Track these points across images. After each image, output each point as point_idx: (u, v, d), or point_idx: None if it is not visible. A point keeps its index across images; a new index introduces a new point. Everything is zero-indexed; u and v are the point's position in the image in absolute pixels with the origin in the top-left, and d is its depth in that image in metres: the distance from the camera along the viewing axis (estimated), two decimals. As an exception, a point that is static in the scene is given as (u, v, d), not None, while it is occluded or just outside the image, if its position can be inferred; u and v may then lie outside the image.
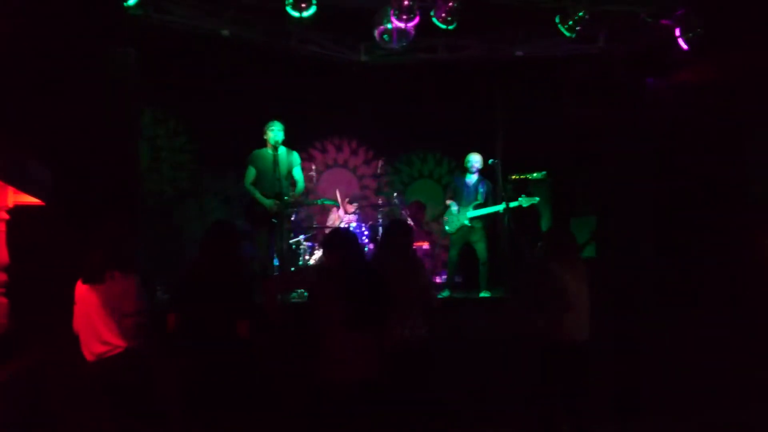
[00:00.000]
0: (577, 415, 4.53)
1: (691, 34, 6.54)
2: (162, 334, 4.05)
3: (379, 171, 9.23)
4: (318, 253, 7.55)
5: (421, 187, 10.10)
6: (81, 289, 3.98)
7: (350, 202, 8.40)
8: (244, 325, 4.05)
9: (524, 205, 7.30)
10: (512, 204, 7.24)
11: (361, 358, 3.83)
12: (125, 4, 6.03)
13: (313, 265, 7.23)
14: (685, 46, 6.61)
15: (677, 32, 6.60)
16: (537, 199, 7.39)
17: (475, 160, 7.48)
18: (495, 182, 7.59)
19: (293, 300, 6.23)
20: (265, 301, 4.46)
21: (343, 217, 8.22)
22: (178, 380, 4.14)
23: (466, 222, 7.33)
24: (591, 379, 4.58)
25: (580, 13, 6.56)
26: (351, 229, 7.73)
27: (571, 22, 6.63)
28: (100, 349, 3.90)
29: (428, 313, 4.48)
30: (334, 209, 8.46)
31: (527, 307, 4.79)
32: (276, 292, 4.59)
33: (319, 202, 8.43)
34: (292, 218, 6.81)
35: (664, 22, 6.72)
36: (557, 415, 4.58)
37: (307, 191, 8.26)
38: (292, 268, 7.17)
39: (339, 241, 4.23)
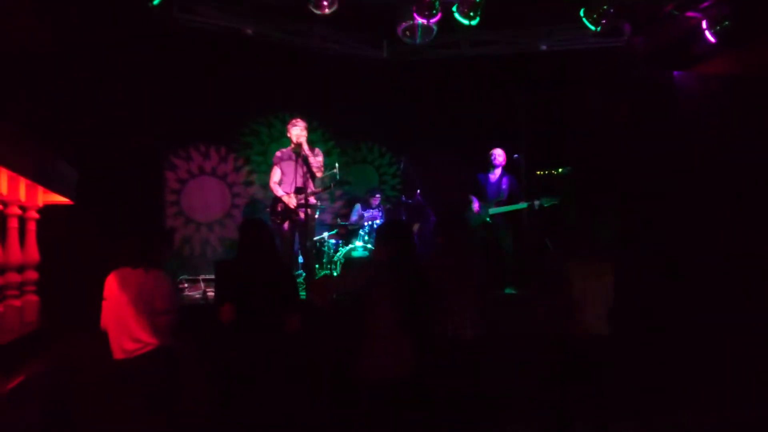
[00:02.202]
0: (594, 413, 4.48)
1: (718, 26, 6.43)
2: (213, 328, 3.99)
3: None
4: (343, 251, 7.58)
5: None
6: (111, 286, 3.94)
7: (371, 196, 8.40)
8: (295, 318, 4.02)
9: (545, 205, 7.24)
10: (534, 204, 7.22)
11: (404, 357, 3.75)
12: (151, 4, 6.11)
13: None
14: (712, 39, 6.49)
15: (704, 24, 6.50)
16: (557, 200, 7.33)
17: (497, 154, 7.43)
18: (519, 177, 7.53)
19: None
20: (316, 298, 4.34)
21: (366, 213, 8.25)
22: (212, 377, 4.15)
23: (488, 219, 7.31)
24: (609, 376, 4.53)
25: (605, 6, 6.48)
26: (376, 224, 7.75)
27: (595, 15, 6.55)
28: (132, 346, 3.86)
29: (484, 311, 4.32)
30: (359, 206, 8.47)
31: (546, 305, 4.75)
32: (331, 291, 4.27)
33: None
34: (316, 215, 6.81)
35: (690, 14, 6.62)
36: (570, 412, 4.53)
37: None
38: (319, 271, 7.21)
39: (394, 233, 4.02)
